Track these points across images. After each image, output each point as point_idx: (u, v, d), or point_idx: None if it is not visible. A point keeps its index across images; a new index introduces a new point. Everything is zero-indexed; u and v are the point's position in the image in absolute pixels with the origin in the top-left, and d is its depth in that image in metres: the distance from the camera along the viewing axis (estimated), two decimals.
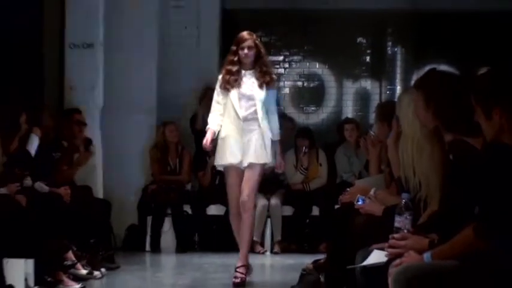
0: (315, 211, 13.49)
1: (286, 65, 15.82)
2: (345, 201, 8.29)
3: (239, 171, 9.84)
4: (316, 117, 15.72)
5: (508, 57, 13.86)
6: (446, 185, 5.57)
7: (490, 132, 4.94)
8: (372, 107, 15.18)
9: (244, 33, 9.99)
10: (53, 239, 9.89)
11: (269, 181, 13.26)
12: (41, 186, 10.30)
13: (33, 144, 10.75)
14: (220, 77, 9.90)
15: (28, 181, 9.78)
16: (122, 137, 13.16)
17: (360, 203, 7.27)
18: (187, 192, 13.49)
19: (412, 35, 15.51)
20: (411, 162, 5.98)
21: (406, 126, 6.13)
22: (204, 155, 13.07)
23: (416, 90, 5.90)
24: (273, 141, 9.97)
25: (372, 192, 7.44)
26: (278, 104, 14.58)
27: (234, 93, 9.78)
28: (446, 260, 5.01)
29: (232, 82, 9.78)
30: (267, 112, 9.91)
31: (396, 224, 5.71)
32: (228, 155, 9.80)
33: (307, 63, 15.81)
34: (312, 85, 15.81)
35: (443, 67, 12.89)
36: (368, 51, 15.83)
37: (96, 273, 10.61)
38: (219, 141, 9.83)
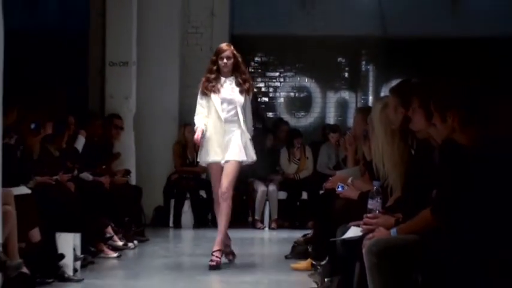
0: (304, 196, 13.51)
1: (281, 79, 15.78)
2: (327, 187, 8.28)
3: (220, 167, 9.12)
4: (305, 121, 15.69)
5: (461, 74, 13.81)
6: (408, 175, 5.57)
7: (445, 132, 4.93)
8: (349, 113, 15.17)
9: (223, 45, 9.39)
10: (95, 217, 9.90)
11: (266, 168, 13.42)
12: (87, 175, 10.32)
13: (80, 143, 10.78)
14: (200, 83, 9.21)
15: (76, 172, 9.78)
16: (150, 137, 13.12)
17: (340, 189, 7.27)
18: (202, 180, 13.45)
19: (381, 56, 15.48)
20: (381, 156, 5.97)
21: (377, 127, 6.11)
22: None
23: (391, 95, 5.91)
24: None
25: (349, 180, 7.43)
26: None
27: (216, 97, 9.10)
28: (409, 234, 5.00)
29: (210, 88, 9.09)
30: (244, 114, 9.20)
31: (369, 206, 5.70)
32: (211, 154, 9.11)
33: (298, 78, 15.77)
34: (301, 95, 15.77)
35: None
36: (346, 68, 15.79)
37: (129, 244, 10.63)
38: (203, 141, 9.10)
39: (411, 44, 14.99)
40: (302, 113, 15.76)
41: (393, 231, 5.13)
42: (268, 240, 12.62)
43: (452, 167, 4.70)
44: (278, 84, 15.80)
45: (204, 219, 13.35)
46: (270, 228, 13.36)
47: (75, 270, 8.50)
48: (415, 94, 5.37)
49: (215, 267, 8.82)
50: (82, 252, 8.93)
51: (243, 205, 13.57)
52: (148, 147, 13.08)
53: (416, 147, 5.57)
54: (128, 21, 12.67)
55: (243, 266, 9.55)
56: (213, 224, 13.29)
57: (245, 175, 13.31)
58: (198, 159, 9.53)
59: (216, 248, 9.01)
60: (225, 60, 9.14)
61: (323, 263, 7.80)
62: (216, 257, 8.92)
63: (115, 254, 9.99)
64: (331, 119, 15.49)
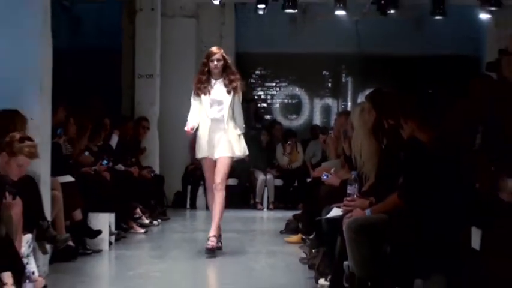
0: (296, 183, 13.49)
1: (277, 89, 15.78)
2: (314, 176, 8.29)
3: (212, 161, 8.21)
4: (296, 122, 15.68)
5: (422, 85, 13.80)
6: (379, 166, 5.56)
7: (408, 132, 4.94)
8: (332, 116, 15.17)
9: (214, 48, 8.37)
10: (126, 200, 9.90)
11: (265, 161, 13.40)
12: (120, 166, 10.31)
13: (114, 141, 10.77)
14: (193, 85, 8.31)
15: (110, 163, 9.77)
16: (171, 135, 13.09)
17: (324, 177, 7.26)
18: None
19: (358, 70, 15.48)
20: (359, 150, 5.96)
21: (356, 127, 6.10)
22: None
23: (366, 101, 5.92)
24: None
25: (332, 170, 7.43)
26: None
27: (206, 98, 8.16)
28: (380, 214, 5.00)
29: (202, 89, 8.14)
30: (234, 113, 8.24)
31: (348, 191, 5.69)
32: (202, 150, 8.23)
33: (291, 88, 15.77)
34: (293, 102, 15.77)
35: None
36: (329, 79, 15.78)
37: (154, 222, 10.63)
38: (197, 138, 8.34)
39: (382, 60, 14.96)
40: (294, 116, 15.76)
41: (368, 211, 5.13)
42: (266, 219, 12.60)
43: (414, 159, 4.71)
44: (275, 92, 15.79)
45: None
46: (268, 209, 13.34)
47: (110, 243, 8.51)
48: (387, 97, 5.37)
49: (212, 249, 7.99)
50: (116, 229, 8.94)
51: (246, 190, 13.57)
52: (169, 144, 13.04)
53: (386, 143, 5.57)
54: (153, 41, 12.66)
55: (246, 239, 9.55)
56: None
57: (247, 166, 13.36)
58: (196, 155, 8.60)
59: (211, 233, 8.14)
60: (215, 63, 8.16)
61: (311, 237, 7.80)
62: (212, 241, 8.06)
63: (142, 230, 9.99)
64: (317, 121, 15.49)
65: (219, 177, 8.16)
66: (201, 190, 13.15)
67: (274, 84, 15.77)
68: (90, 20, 14.98)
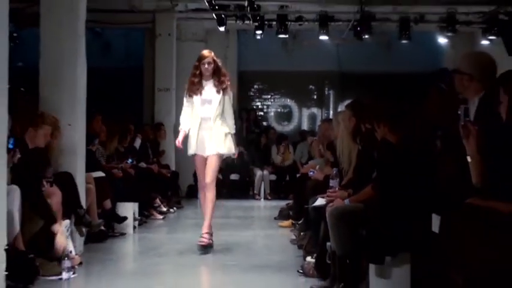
0: (287, 178, 13.49)
1: (272, 100, 15.78)
2: (303, 172, 8.30)
3: (203, 158, 7.30)
4: (287, 128, 15.68)
5: (392, 97, 13.79)
6: (357, 163, 5.56)
7: (380, 134, 4.93)
8: (317, 122, 15.18)
9: (205, 52, 7.48)
10: (147, 192, 9.89)
11: (262, 159, 13.39)
12: (142, 164, 10.29)
13: (137, 143, 10.76)
14: (186, 86, 7.45)
15: (134, 162, 9.75)
16: (184, 138, 13.06)
17: (311, 173, 7.25)
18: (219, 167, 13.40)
19: (338, 84, 15.49)
20: (341, 150, 5.95)
21: (337, 131, 6.10)
22: None
23: (346, 109, 5.92)
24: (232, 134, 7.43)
25: (317, 167, 7.44)
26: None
27: (197, 98, 7.30)
28: (357, 203, 4.99)
29: (194, 90, 7.28)
30: (224, 112, 7.33)
31: (330, 184, 5.68)
32: (192, 146, 7.32)
33: (283, 99, 15.77)
34: (285, 111, 15.77)
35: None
36: (315, 92, 15.78)
37: (171, 210, 10.61)
38: (188, 136, 7.39)
39: (359, 77, 14.97)
40: (286, 123, 15.77)
41: (347, 201, 5.12)
42: (263, 208, 12.59)
43: (385, 157, 4.71)
44: (270, 103, 15.80)
45: (221, 193, 13.31)
46: (264, 199, 13.33)
47: (134, 228, 8.50)
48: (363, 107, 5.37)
49: (205, 246, 7.10)
50: (139, 215, 8.93)
51: (246, 184, 13.59)
52: (183, 145, 13.02)
53: (363, 144, 5.56)
54: (169, 60, 12.64)
55: (246, 224, 9.54)
56: (226, 197, 13.34)
57: (247, 164, 13.38)
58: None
59: (205, 230, 7.23)
60: (206, 66, 7.29)
61: (299, 222, 7.80)
62: (204, 238, 7.18)
63: (161, 217, 9.98)
64: (305, 127, 15.51)
65: (208, 177, 7.25)
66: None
67: (269, 96, 15.78)
68: (118, 43, 14.98)
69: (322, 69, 15.23)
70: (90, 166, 7.55)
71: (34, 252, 5.49)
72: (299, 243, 7.09)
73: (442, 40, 13.44)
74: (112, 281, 5.82)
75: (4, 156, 4.88)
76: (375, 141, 5.15)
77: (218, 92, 7.30)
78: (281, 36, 12.74)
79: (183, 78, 13.37)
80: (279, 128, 15.30)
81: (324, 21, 11.96)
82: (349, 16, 11.77)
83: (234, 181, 13.56)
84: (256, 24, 12.71)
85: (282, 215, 9.84)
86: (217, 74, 7.34)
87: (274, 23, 12.33)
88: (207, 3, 11.31)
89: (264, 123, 15.56)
